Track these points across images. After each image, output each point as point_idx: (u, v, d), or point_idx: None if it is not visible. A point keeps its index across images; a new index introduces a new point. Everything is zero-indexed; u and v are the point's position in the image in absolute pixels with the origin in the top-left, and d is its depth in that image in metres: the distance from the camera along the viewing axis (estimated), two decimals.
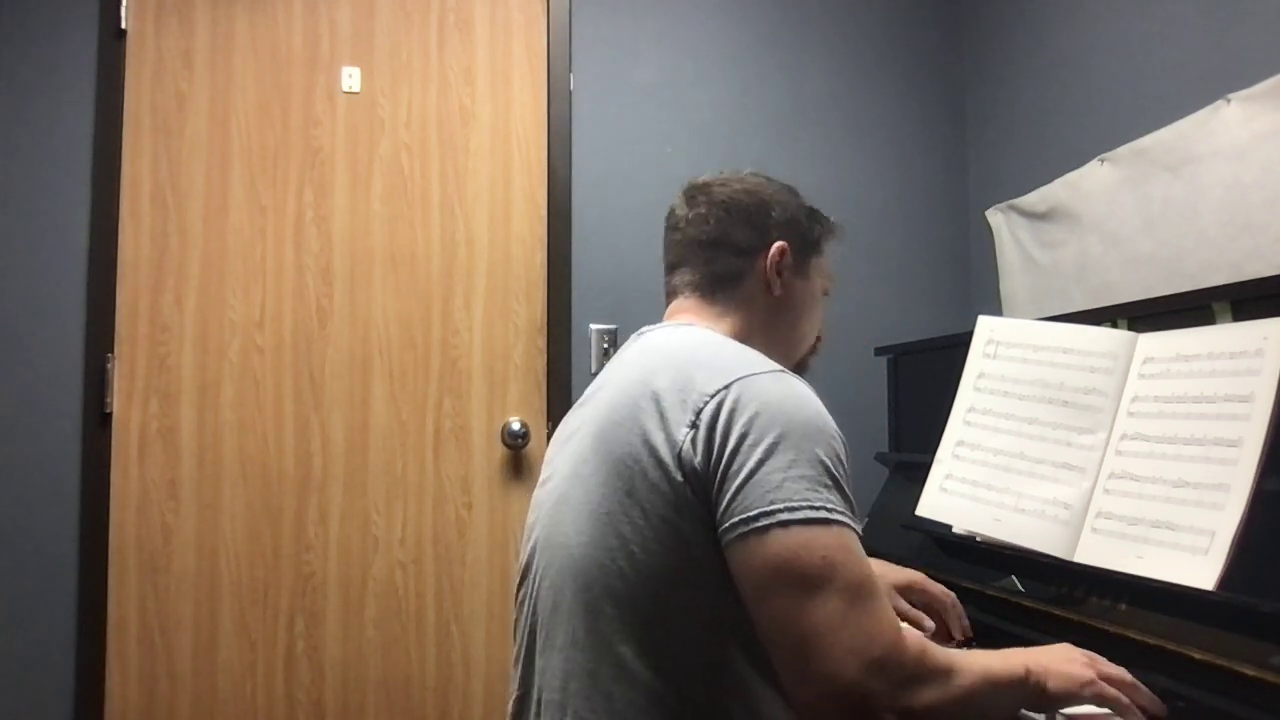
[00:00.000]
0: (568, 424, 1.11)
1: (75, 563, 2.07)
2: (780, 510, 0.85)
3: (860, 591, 0.84)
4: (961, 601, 1.40)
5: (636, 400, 0.95)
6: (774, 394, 0.91)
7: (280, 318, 2.21)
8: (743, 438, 0.88)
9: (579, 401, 1.13)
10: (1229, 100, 1.62)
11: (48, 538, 2.06)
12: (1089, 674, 0.95)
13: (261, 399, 2.19)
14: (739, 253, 1.11)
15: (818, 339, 1.21)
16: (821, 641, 0.82)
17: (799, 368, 1.18)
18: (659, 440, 0.92)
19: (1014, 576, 1.35)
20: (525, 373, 2.30)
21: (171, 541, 2.13)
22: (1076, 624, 1.20)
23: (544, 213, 2.33)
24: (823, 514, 0.85)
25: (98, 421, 2.10)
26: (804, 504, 0.85)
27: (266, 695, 2.15)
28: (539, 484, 1.11)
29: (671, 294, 1.15)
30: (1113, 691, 0.95)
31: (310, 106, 2.26)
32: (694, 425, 0.90)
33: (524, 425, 2.26)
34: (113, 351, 2.13)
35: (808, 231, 1.16)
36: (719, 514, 0.88)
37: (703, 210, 1.13)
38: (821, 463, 0.88)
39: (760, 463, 0.87)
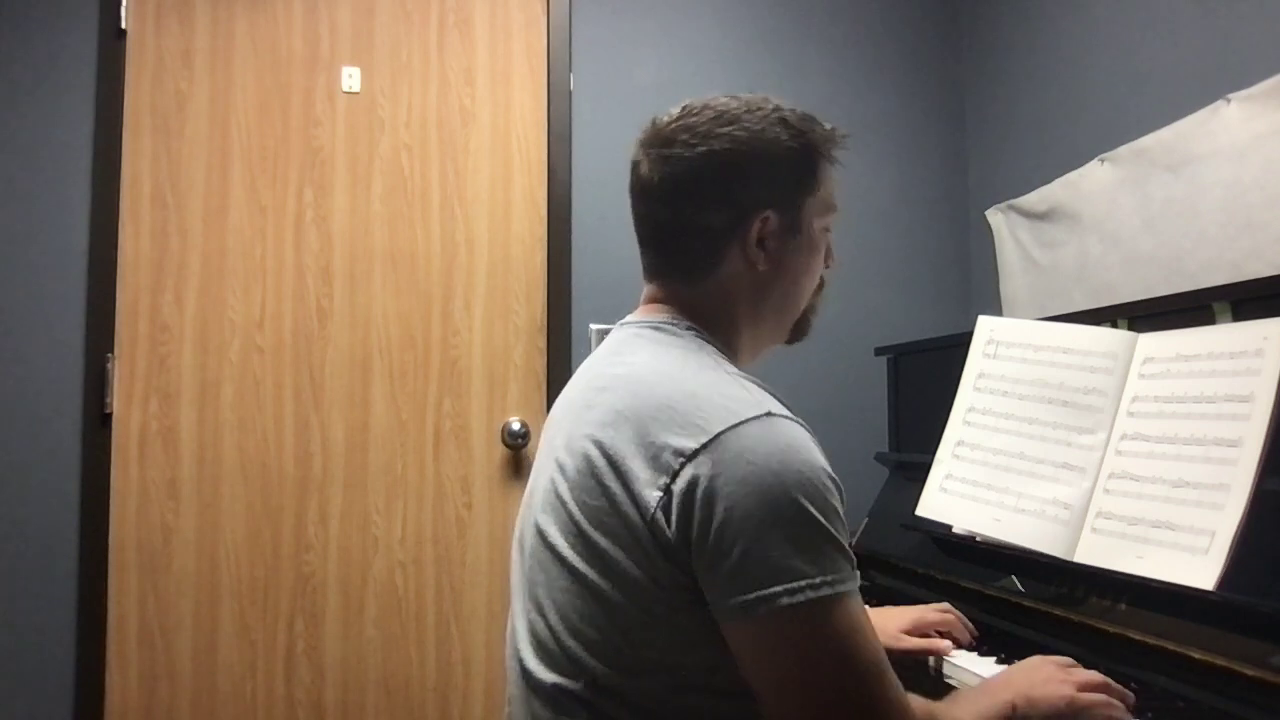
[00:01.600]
0: (552, 430, 1.03)
1: (75, 563, 2.07)
2: (781, 594, 0.78)
3: (873, 673, 0.81)
4: (961, 601, 1.40)
5: (594, 460, 0.87)
6: (759, 452, 0.81)
7: (280, 318, 2.21)
8: (729, 511, 0.79)
9: (562, 402, 1.04)
10: (1229, 100, 1.62)
11: (48, 538, 2.06)
12: (1067, 691, 0.97)
13: (261, 399, 2.19)
14: (711, 236, 0.96)
15: (826, 267, 1.06)
16: None
17: (804, 315, 1.07)
18: (623, 500, 0.84)
19: (1014, 576, 1.35)
20: (525, 373, 2.30)
21: (171, 541, 2.13)
22: (1076, 624, 1.20)
23: (544, 213, 2.33)
24: (825, 591, 0.79)
25: (98, 421, 2.10)
26: (804, 585, 0.78)
27: (266, 695, 2.15)
28: (529, 485, 1.05)
29: (647, 273, 1.03)
30: (1089, 697, 0.97)
31: (310, 106, 2.26)
32: (667, 491, 0.81)
33: (524, 425, 2.26)
34: (113, 351, 2.13)
35: (797, 177, 0.98)
36: (711, 589, 0.81)
37: (666, 180, 0.96)
38: (815, 521, 0.80)
39: (753, 540, 0.79)
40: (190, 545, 2.14)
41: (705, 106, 1.01)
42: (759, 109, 1.00)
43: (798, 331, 1.09)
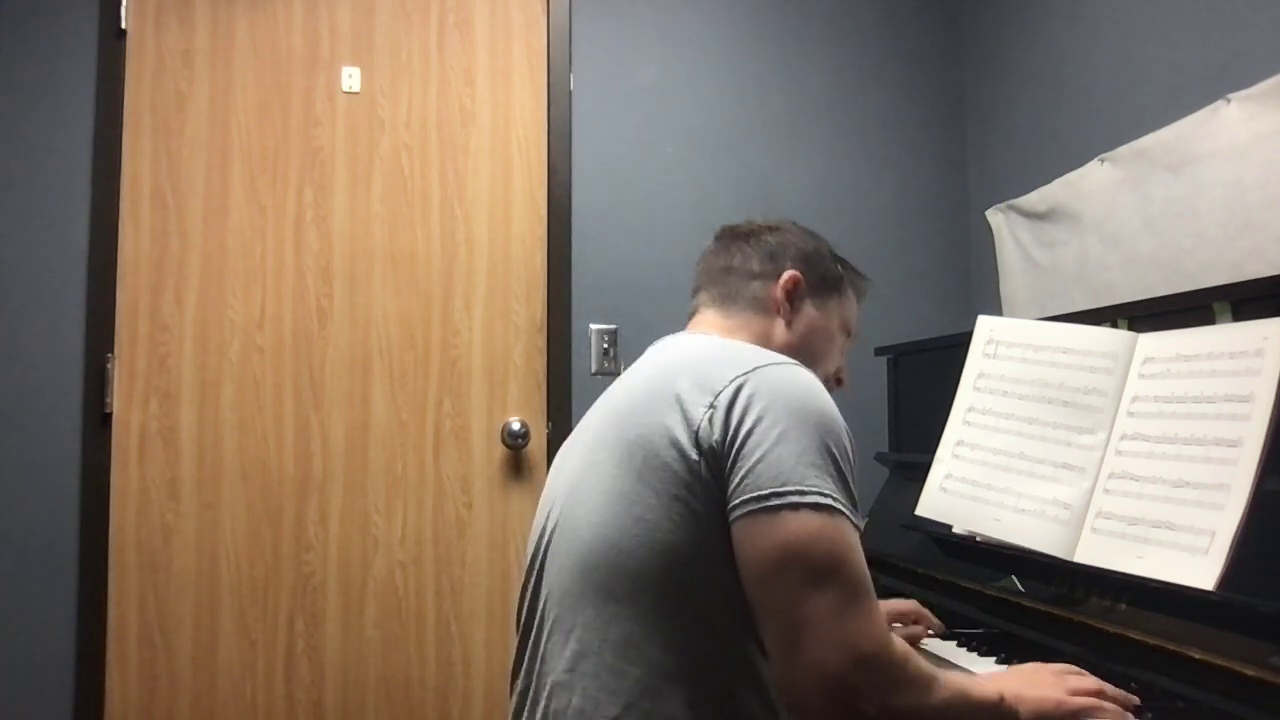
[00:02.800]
0: (584, 421, 1.14)
1: (75, 563, 2.07)
2: (791, 492, 0.88)
3: (859, 589, 0.87)
4: (961, 601, 1.40)
5: (656, 399, 0.99)
6: (789, 384, 0.96)
7: (280, 318, 2.21)
8: (759, 419, 0.91)
9: (595, 405, 1.15)
10: (1229, 100, 1.62)
11: (48, 538, 2.06)
12: (1058, 694, 0.98)
13: (261, 399, 2.19)
14: (752, 276, 1.17)
15: (839, 380, 1.24)
16: (817, 630, 0.85)
17: None
18: (676, 423, 0.95)
19: (1014, 576, 1.35)
20: (525, 373, 2.30)
21: (171, 541, 2.13)
22: (1076, 624, 1.20)
23: (544, 213, 2.33)
24: (829, 502, 0.88)
25: (98, 421, 2.10)
26: (814, 489, 0.88)
27: (266, 695, 2.15)
28: (550, 474, 1.14)
29: (692, 314, 1.22)
30: (1081, 703, 0.97)
31: (310, 106, 2.26)
32: (712, 406, 0.94)
33: (524, 425, 2.26)
34: (113, 351, 2.13)
35: (827, 269, 1.21)
36: (731, 489, 0.91)
37: (726, 243, 1.21)
38: (830, 453, 0.92)
39: (774, 444, 0.90)
40: (190, 545, 2.14)
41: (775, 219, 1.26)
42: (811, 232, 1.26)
43: None
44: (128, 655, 2.10)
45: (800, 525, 0.87)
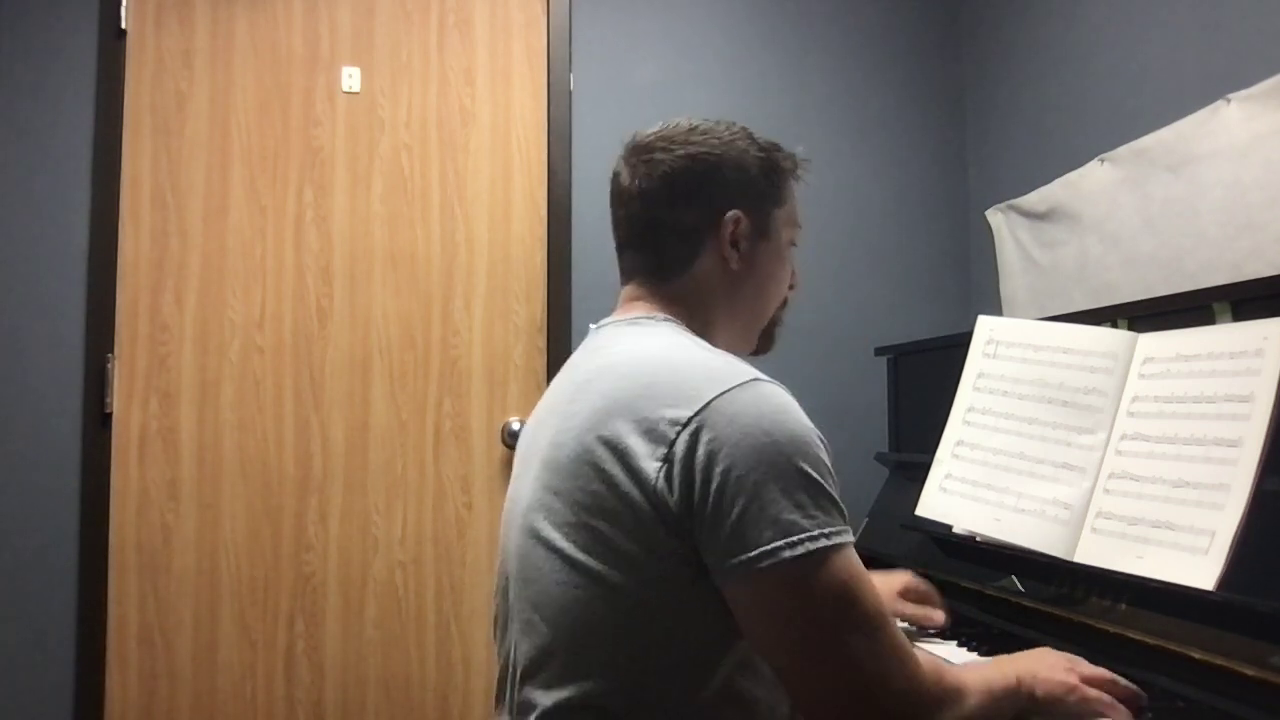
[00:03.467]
0: (532, 433, 1.06)
1: (75, 563, 2.07)
2: (783, 547, 0.81)
3: (876, 623, 0.83)
4: (961, 601, 1.40)
5: (593, 444, 0.89)
6: (750, 414, 0.85)
7: (280, 318, 2.21)
8: (728, 471, 0.83)
9: (542, 406, 1.07)
10: (1229, 100, 1.62)
11: (48, 538, 2.06)
12: (1072, 679, 0.98)
13: (261, 399, 2.19)
14: (687, 233, 1.03)
15: (790, 287, 1.13)
16: (848, 678, 0.82)
17: (770, 327, 1.13)
18: (622, 477, 0.86)
19: (1014, 576, 1.35)
20: (525, 373, 2.30)
21: (171, 541, 2.13)
22: (1076, 624, 1.20)
23: (544, 213, 2.33)
24: (822, 541, 0.82)
25: (98, 421, 2.10)
26: (804, 536, 0.82)
27: (266, 695, 2.15)
28: (509, 495, 1.06)
29: (625, 275, 1.10)
30: (1095, 693, 0.98)
31: (310, 106, 2.26)
32: (666, 460, 0.84)
33: (524, 425, 2.26)
34: (113, 351, 2.13)
35: (765, 186, 1.06)
36: (712, 549, 0.84)
37: (644, 183, 1.04)
38: (809, 476, 0.84)
39: (751, 498, 0.82)
40: (190, 545, 2.14)
41: (680, 122, 1.07)
42: (730, 126, 1.07)
43: (764, 341, 1.14)
44: (128, 655, 2.10)
45: (800, 581, 0.82)
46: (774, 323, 1.14)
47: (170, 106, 2.20)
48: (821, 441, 0.88)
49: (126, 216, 2.16)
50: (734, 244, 1.03)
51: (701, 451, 0.84)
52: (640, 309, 1.05)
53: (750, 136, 1.07)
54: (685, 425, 0.85)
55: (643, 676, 0.87)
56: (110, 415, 2.12)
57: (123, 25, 2.17)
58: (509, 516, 1.03)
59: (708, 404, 0.85)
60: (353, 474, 2.22)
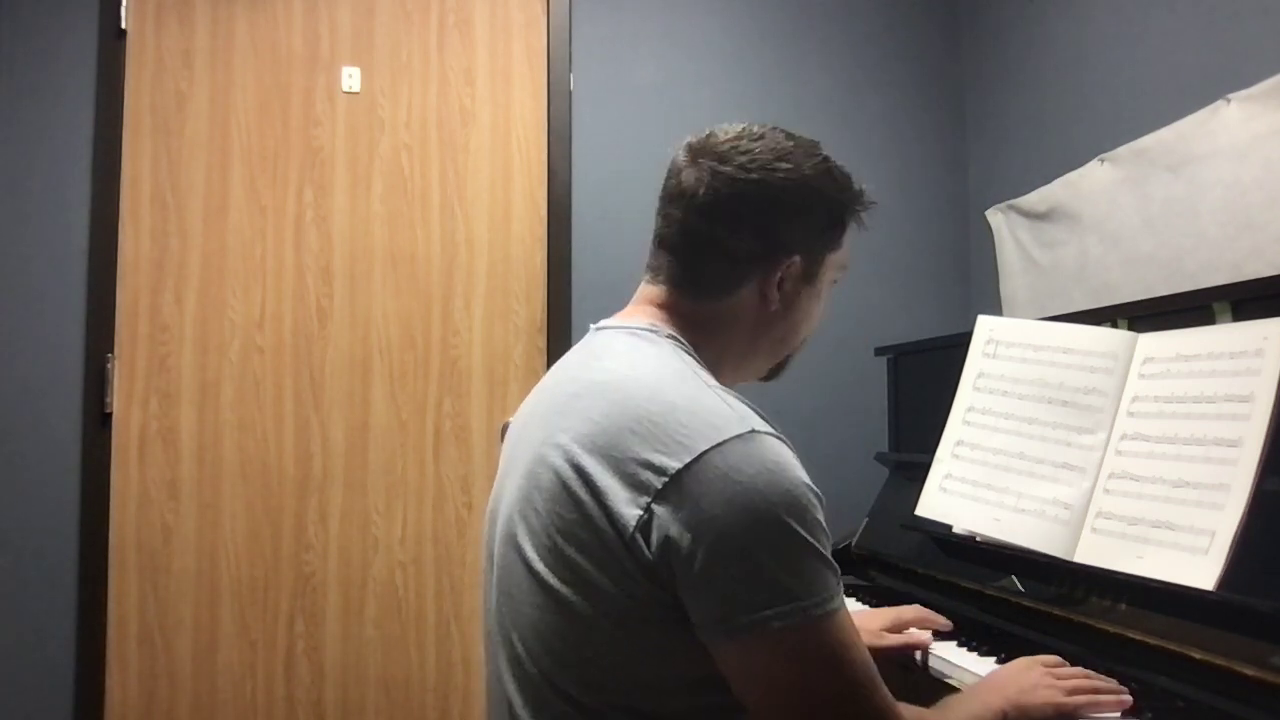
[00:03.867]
0: (518, 434, 1.01)
1: (75, 563, 2.07)
2: (773, 616, 0.77)
3: (866, 689, 0.81)
4: (961, 601, 1.40)
5: (569, 477, 0.84)
6: (744, 472, 0.79)
7: (280, 318, 2.21)
8: (719, 533, 0.78)
9: (530, 406, 1.03)
10: (1229, 100, 1.62)
11: (48, 538, 2.06)
12: (1057, 697, 0.98)
13: (261, 399, 2.19)
14: (737, 261, 0.95)
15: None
16: None
17: (779, 366, 1.09)
18: (598, 517, 0.81)
19: (1014, 576, 1.35)
20: (525, 373, 2.30)
21: (171, 541, 2.13)
22: (1077, 624, 1.20)
23: (544, 213, 2.33)
24: (815, 611, 0.79)
25: (98, 421, 2.10)
26: (793, 607, 0.78)
27: (266, 695, 2.15)
28: (494, 492, 1.03)
29: (651, 272, 1.01)
30: (1082, 700, 0.98)
31: (310, 106, 2.26)
32: (648, 510, 0.79)
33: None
34: (113, 351, 2.13)
35: (829, 233, 1.00)
36: (697, 609, 0.80)
37: (709, 197, 0.94)
38: (801, 539, 0.79)
39: (741, 561, 0.78)
40: (190, 545, 2.14)
41: (765, 135, 0.97)
42: (814, 155, 0.99)
43: (775, 373, 1.10)
44: (128, 655, 2.10)
45: (791, 645, 0.78)
46: (789, 357, 1.09)
47: (170, 106, 2.20)
48: (817, 497, 0.83)
49: (126, 216, 2.16)
50: (780, 286, 0.96)
51: (689, 510, 0.78)
52: (648, 317, 0.98)
53: (830, 172, 1.00)
54: (673, 478, 0.79)
55: (619, 707, 0.85)
56: (110, 415, 2.12)
57: (123, 25, 2.17)
58: (492, 514, 1.01)
59: (700, 456, 0.79)
60: (353, 474, 2.22)
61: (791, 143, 0.98)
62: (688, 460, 0.79)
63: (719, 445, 0.80)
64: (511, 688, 0.90)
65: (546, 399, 0.98)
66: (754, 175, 0.94)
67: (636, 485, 0.80)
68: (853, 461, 1.99)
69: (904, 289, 2.50)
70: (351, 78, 2.27)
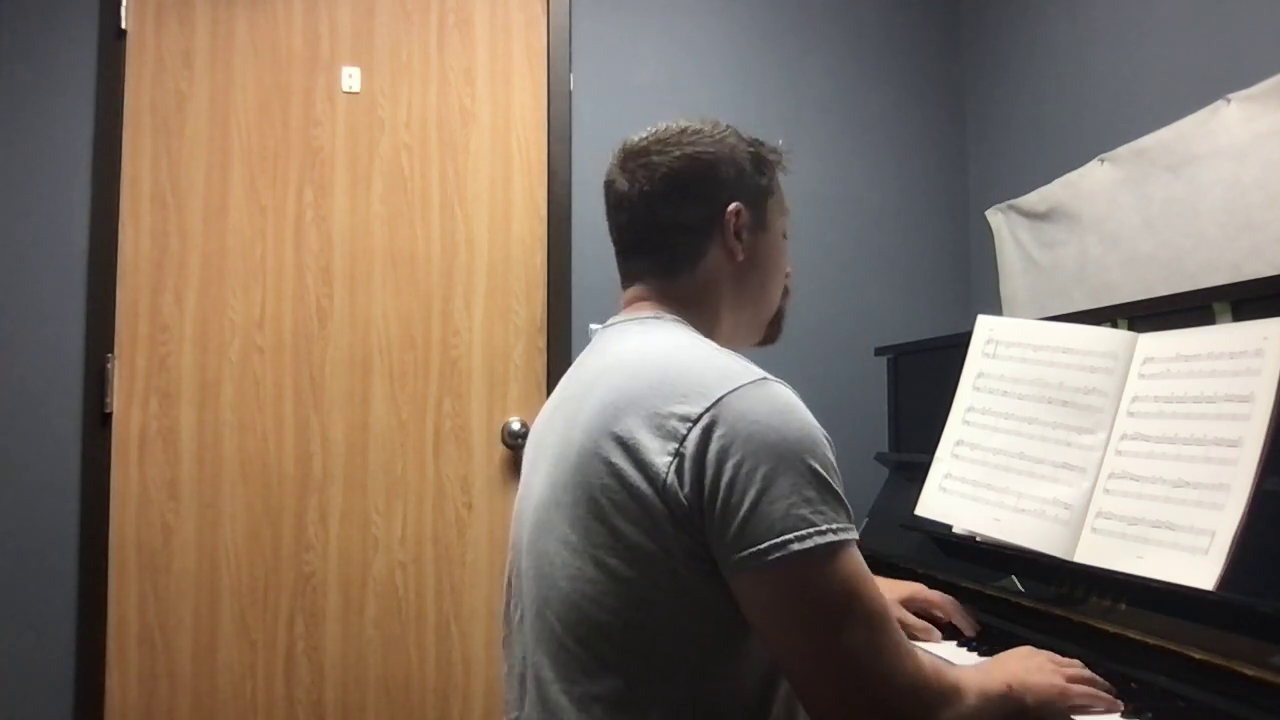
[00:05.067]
0: (540, 436, 1.06)
1: (75, 563, 2.07)
2: (792, 540, 0.82)
3: (880, 619, 0.85)
4: (961, 601, 1.40)
5: (602, 440, 0.90)
6: (761, 412, 0.87)
7: (280, 318, 2.21)
8: (739, 466, 0.84)
9: (550, 404, 1.09)
10: (1229, 100, 1.62)
11: (48, 538, 2.06)
12: (1059, 681, 1.00)
13: (261, 399, 2.19)
14: (693, 230, 1.05)
15: (787, 275, 1.16)
16: (853, 673, 0.83)
17: (775, 320, 1.16)
18: (632, 472, 0.87)
19: (1014, 576, 1.35)
20: (525, 373, 2.30)
21: (171, 541, 2.13)
22: (1077, 624, 1.20)
23: (544, 213, 2.33)
24: (830, 536, 0.84)
25: (98, 421, 2.10)
26: (812, 531, 0.83)
27: (266, 695, 2.15)
28: (520, 494, 1.07)
29: (628, 279, 1.10)
30: (1082, 690, 1.00)
31: (310, 106, 2.26)
32: (678, 454, 0.86)
33: (524, 425, 2.26)
34: (113, 351, 2.13)
35: (758, 178, 1.09)
36: (722, 543, 0.85)
37: (645, 187, 1.05)
38: (817, 474, 0.86)
39: (761, 492, 0.84)
40: (190, 545, 2.14)
41: (668, 125, 1.10)
42: (716, 124, 1.10)
43: (772, 330, 1.17)
44: (128, 655, 2.10)
45: (807, 574, 0.83)
46: (780, 312, 1.16)
47: (170, 106, 2.20)
48: (828, 441, 0.90)
49: (126, 216, 2.16)
50: (737, 235, 1.05)
51: (713, 447, 0.85)
52: (647, 309, 1.06)
53: (737, 133, 1.10)
54: (696, 421, 0.86)
55: (658, 673, 0.88)
56: (110, 415, 2.12)
57: (123, 25, 2.17)
58: (520, 514, 1.05)
59: (718, 400, 0.87)
60: (353, 474, 2.22)
61: (697, 123, 1.09)
62: (708, 404, 0.87)
63: (735, 390, 0.88)
64: (546, 667, 0.93)
65: (565, 393, 1.05)
66: (673, 153, 1.05)
67: (665, 434, 0.87)
68: (853, 461, 1.97)
69: (904, 289, 2.50)
70: (351, 78, 2.27)
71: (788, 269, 1.15)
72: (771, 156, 1.12)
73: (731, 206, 1.05)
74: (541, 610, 0.95)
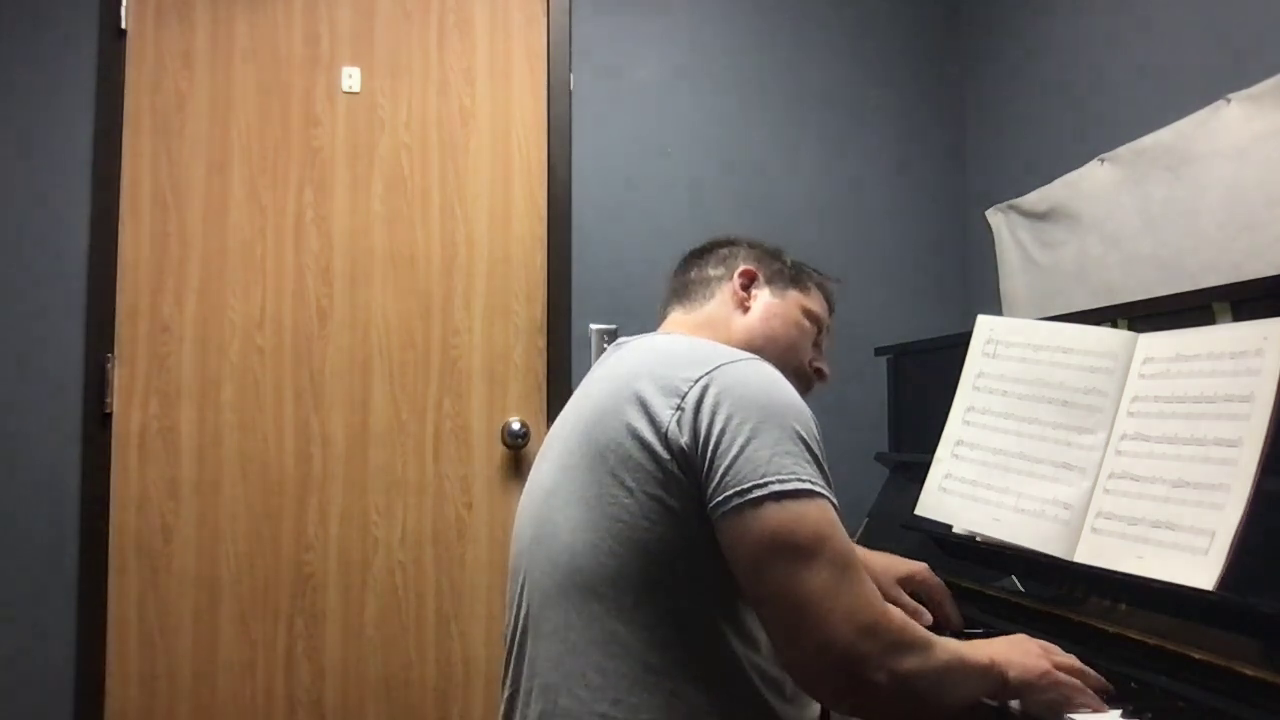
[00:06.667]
0: (552, 431, 1.17)
1: (75, 563, 2.07)
2: (772, 482, 0.91)
3: (848, 563, 0.90)
4: (961, 601, 1.40)
5: (620, 402, 1.01)
6: (753, 378, 0.99)
7: (280, 318, 2.21)
8: (729, 418, 0.94)
9: (562, 414, 1.17)
10: (1229, 100, 1.62)
11: (48, 538, 2.06)
12: (1045, 664, 1.01)
13: (261, 399, 2.19)
14: (710, 280, 1.27)
15: (819, 373, 1.30)
16: (818, 608, 0.88)
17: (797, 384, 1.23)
18: (643, 426, 0.98)
19: (1014, 576, 1.36)
20: (525, 373, 2.30)
21: (171, 541, 2.13)
22: (1076, 624, 1.20)
23: (544, 213, 2.33)
24: (808, 486, 0.92)
25: (98, 421, 2.10)
26: (792, 477, 0.91)
27: (266, 695, 2.15)
28: (525, 489, 1.15)
29: (662, 315, 1.29)
30: (1065, 678, 1.00)
31: (310, 106, 2.26)
32: (679, 408, 0.97)
33: (524, 425, 2.26)
34: (113, 351, 2.13)
35: (783, 266, 1.30)
36: (711, 488, 0.93)
37: (686, 263, 1.32)
38: (801, 439, 0.95)
39: (749, 440, 0.93)
40: (190, 545, 2.14)
41: None
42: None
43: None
44: (128, 655, 2.10)
45: (784, 513, 0.90)
46: (809, 381, 1.30)
47: (170, 106, 2.20)
48: (813, 417, 1.00)
49: (126, 216, 2.16)
50: (745, 287, 1.25)
51: (708, 401, 0.96)
52: (670, 327, 1.25)
53: (781, 251, 1.35)
54: (696, 381, 0.98)
55: (670, 621, 0.95)
56: (110, 415, 2.12)
57: (123, 25, 2.17)
58: (525, 504, 1.13)
59: (717, 367, 1.00)
60: (353, 474, 2.22)
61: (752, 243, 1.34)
62: (708, 369, 0.99)
63: (732, 362, 1.01)
64: (545, 620, 1.01)
65: (581, 392, 1.15)
66: (716, 240, 1.33)
67: (670, 392, 0.99)
68: (853, 461, 1.99)
69: (904, 289, 2.50)
70: (351, 78, 2.27)
71: (821, 369, 1.31)
72: (814, 270, 1.34)
73: (743, 268, 1.26)
74: (546, 569, 1.01)
